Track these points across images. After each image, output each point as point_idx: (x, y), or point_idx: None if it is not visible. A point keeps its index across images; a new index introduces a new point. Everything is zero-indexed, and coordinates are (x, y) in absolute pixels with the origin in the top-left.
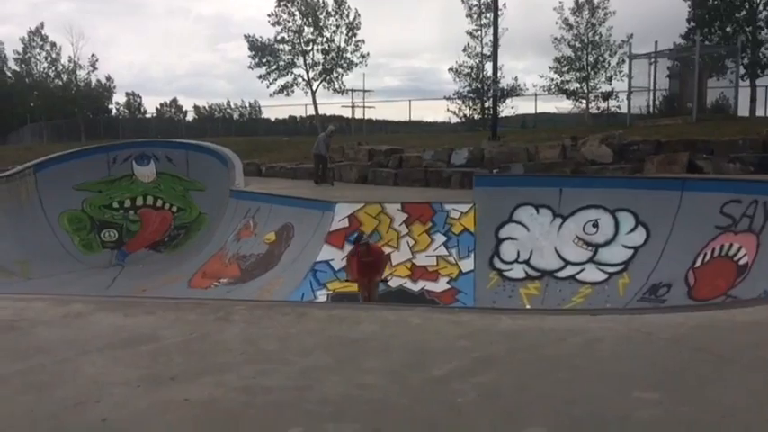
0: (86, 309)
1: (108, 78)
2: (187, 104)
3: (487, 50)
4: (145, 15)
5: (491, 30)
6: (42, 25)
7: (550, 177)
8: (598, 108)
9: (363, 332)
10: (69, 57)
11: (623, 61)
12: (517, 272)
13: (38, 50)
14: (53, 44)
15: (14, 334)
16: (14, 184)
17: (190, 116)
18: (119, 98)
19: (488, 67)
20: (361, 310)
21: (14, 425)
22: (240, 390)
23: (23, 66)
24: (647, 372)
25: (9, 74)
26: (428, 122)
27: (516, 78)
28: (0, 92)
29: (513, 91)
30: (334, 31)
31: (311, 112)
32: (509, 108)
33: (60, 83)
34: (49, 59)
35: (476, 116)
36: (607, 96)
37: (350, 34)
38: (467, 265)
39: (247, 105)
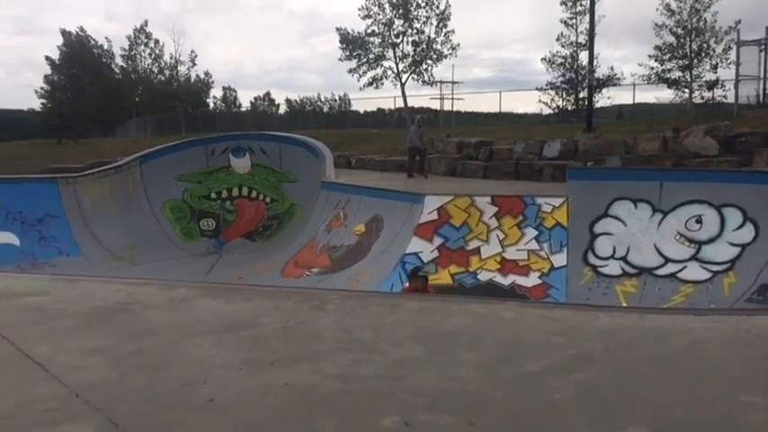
0: (191, 294)
1: (206, 74)
2: (279, 98)
3: (582, 39)
4: (240, 12)
5: (587, 17)
6: (146, 23)
7: (650, 171)
8: (702, 98)
9: (455, 325)
10: (171, 53)
11: (730, 48)
12: (613, 268)
13: (142, 47)
14: (156, 41)
15: (127, 316)
16: (123, 175)
17: (282, 109)
18: (216, 92)
19: (583, 56)
20: (452, 303)
21: (129, 401)
22: (336, 377)
23: (129, 62)
24: (756, 376)
25: (117, 70)
26: (518, 114)
27: (612, 67)
28: (108, 87)
29: (610, 80)
30: (425, 23)
31: (400, 104)
32: (605, 98)
33: (163, 78)
34: (153, 56)
35: (569, 107)
36: (712, 85)
37: (440, 25)
38: (559, 260)
39: (337, 98)
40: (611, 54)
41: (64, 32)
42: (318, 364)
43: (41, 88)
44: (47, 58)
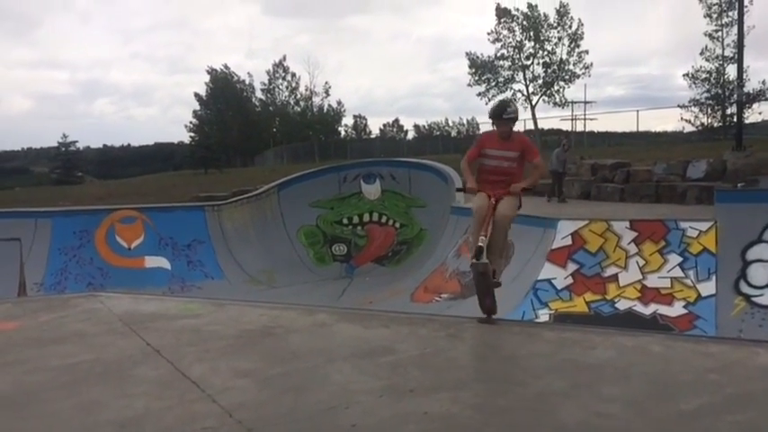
0: (330, 319)
1: (339, 103)
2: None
3: (729, 52)
4: (370, 42)
5: (734, 29)
6: (285, 58)
7: None
8: None
9: (599, 358)
10: (306, 85)
11: None
12: None
13: (280, 81)
14: (293, 74)
15: (273, 339)
16: (262, 202)
17: (410, 135)
18: (347, 120)
19: (731, 69)
20: (594, 334)
21: (278, 423)
22: (475, 407)
23: (268, 95)
24: None
25: (257, 103)
26: (655, 133)
27: (764, 81)
28: (248, 120)
29: (761, 95)
30: (556, 44)
31: (530, 126)
32: (756, 114)
33: (298, 109)
34: (290, 89)
35: (715, 124)
36: None
37: (572, 45)
38: (707, 288)
39: (465, 122)
40: (762, 66)
41: (210, 70)
42: (457, 394)
43: (191, 122)
44: (195, 94)
